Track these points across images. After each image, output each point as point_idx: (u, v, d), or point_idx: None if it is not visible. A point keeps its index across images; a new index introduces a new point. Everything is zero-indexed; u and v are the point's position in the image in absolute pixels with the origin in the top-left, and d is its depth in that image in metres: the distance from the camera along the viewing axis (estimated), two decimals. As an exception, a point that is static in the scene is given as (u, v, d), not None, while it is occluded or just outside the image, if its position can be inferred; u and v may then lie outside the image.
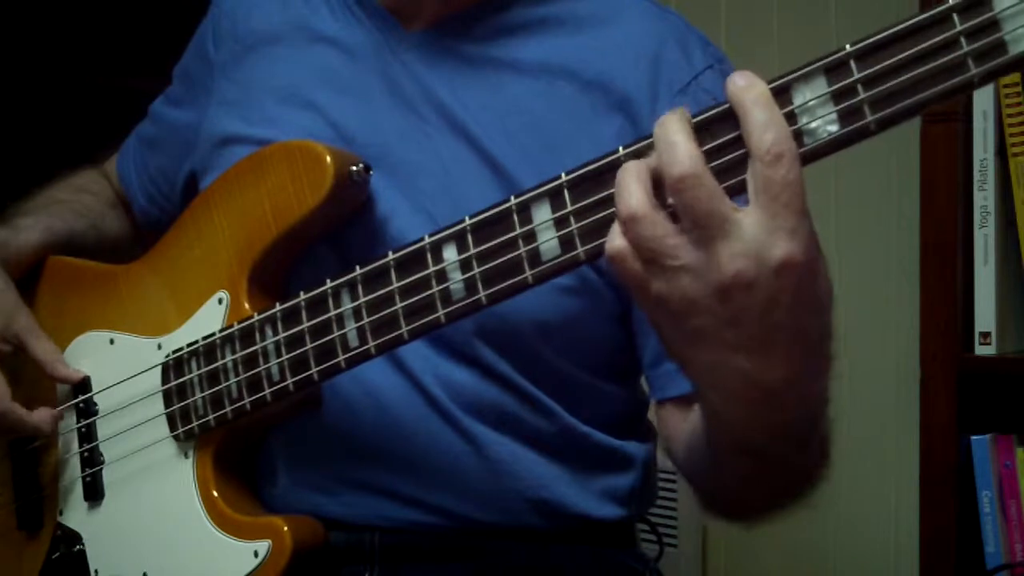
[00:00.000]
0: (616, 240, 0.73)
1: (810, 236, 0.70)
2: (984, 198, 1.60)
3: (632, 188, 0.72)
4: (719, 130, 0.73)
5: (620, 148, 0.78)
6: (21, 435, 1.21)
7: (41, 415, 1.16)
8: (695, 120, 0.73)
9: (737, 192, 0.72)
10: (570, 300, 1.05)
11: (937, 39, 0.67)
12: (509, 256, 0.84)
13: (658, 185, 0.73)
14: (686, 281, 0.71)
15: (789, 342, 0.73)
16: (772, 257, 0.69)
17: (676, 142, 0.71)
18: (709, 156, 0.72)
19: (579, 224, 0.80)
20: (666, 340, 0.78)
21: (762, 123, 0.69)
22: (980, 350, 1.60)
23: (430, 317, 0.90)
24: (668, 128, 0.72)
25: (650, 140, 0.75)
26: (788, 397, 0.77)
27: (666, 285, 0.72)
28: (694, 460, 0.99)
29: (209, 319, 1.08)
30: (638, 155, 0.76)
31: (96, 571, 1.14)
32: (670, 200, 0.72)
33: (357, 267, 0.96)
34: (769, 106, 0.70)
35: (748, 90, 0.71)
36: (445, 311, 0.89)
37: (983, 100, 1.59)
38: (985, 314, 1.59)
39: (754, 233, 0.69)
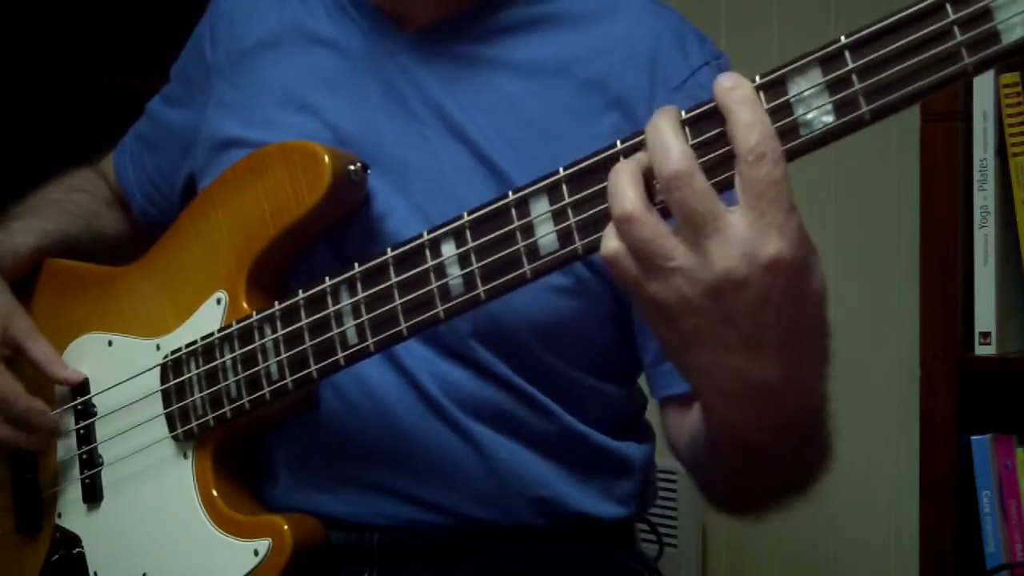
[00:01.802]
0: (611, 242, 0.74)
1: (799, 233, 0.71)
2: (984, 198, 1.60)
3: (625, 189, 0.73)
4: (707, 127, 0.74)
5: (618, 142, 0.79)
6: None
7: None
8: (684, 117, 0.74)
9: (725, 188, 0.73)
10: (565, 301, 1.05)
11: (930, 29, 0.68)
12: (508, 251, 0.84)
13: (649, 182, 0.74)
14: (680, 281, 0.72)
15: (782, 340, 0.74)
16: (762, 254, 0.70)
17: (668, 142, 0.72)
18: (697, 151, 0.73)
19: (577, 218, 0.80)
20: (663, 341, 0.78)
21: (746, 124, 0.71)
22: (980, 350, 1.60)
23: (429, 313, 0.90)
24: (660, 127, 0.73)
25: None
26: (784, 396, 0.77)
27: (661, 286, 0.73)
28: (696, 456, 0.99)
29: (208, 319, 1.08)
30: (635, 149, 0.77)
31: (95, 573, 1.14)
32: (660, 197, 0.73)
33: (356, 264, 0.95)
34: (753, 107, 0.71)
35: (733, 91, 0.72)
36: (444, 307, 0.89)
37: (983, 100, 1.59)
38: (985, 314, 1.60)
39: (744, 231, 0.70)
